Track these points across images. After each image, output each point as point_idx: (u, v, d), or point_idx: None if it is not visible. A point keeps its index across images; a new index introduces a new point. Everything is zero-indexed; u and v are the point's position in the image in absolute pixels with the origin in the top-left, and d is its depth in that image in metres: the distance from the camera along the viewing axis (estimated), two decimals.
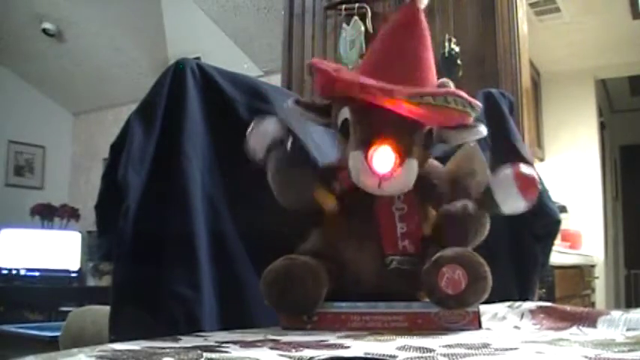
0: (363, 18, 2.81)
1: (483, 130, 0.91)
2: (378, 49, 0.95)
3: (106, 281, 4.55)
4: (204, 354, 0.58)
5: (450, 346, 0.65)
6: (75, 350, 0.57)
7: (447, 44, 2.49)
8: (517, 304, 1.01)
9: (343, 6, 2.89)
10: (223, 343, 0.68)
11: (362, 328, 0.82)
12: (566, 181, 4.08)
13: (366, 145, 0.84)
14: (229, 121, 1.13)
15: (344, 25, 2.84)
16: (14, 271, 4.67)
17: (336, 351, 0.63)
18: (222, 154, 1.10)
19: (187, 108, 1.07)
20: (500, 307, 0.99)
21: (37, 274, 4.73)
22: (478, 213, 0.87)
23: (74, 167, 5.77)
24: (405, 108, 0.82)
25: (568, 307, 0.96)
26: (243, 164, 0.96)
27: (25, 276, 4.69)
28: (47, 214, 5.05)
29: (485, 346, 0.65)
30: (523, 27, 2.59)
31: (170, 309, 0.95)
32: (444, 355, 0.58)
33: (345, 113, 0.90)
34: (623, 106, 5.59)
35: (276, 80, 3.12)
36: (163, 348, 0.62)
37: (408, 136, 0.86)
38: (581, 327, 0.85)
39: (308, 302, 0.83)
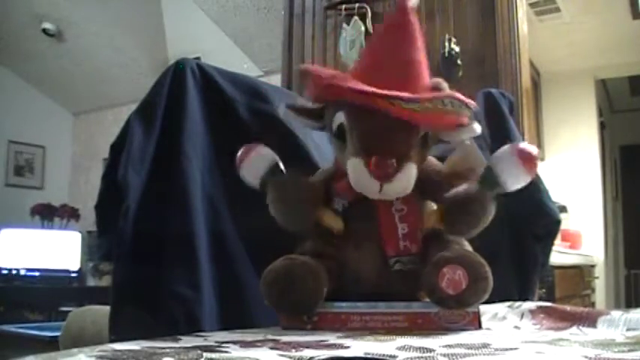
0: (363, 18, 2.81)
1: (478, 128, 0.90)
2: (371, 52, 0.95)
3: (106, 281, 4.55)
4: (204, 354, 0.58)
5: (450, 346, 0.65)
6: (75, 350, 0.57)
7: (447, 44, 2.49)
8: (517, 304, 1.01)
9: (343, 6, 2.89)
10: (223, 343, 0.68)
11: (362, 328, 0.82)
12: (566, 181, 4.08)
13: (364, 151, 0.84)
14: (229, 121, 1.13)
15: (344, 25, 2.84)
16: (14, 271, 4.67)
17: (336, 351, 0.63)
18: (222, 154, 1.10)
19: (187, 108, 1.07)
20: (500, 307, 0.99)
21: (37, 274, 4.73)
22: (481, 193, 0.85)
23: (74, 167, 5.77)
24: (404, 113, 0.82)
25: (568, 307, 0.96)
26: None
27: (25, 276, 4.70)
28: (47, 214, 5.05)
29: (485, 346, 0.65)
30: (523, 27, 2.59)
31: (170, 309, 0.95)
32: (444, 355, 0.58)
33: (340, 118, 0.89)
34: (623, 106, 5.59)
35: (276, 80, 3.12)
36: (163, 348, 0.62)
37: (406, 140, 0.86)
38: (581, 327, 0.85)
39: (308, 302, 0.83)
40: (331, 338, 0.72)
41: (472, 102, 0.86)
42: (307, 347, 0.64)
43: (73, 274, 4.92)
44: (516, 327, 0.90)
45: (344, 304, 0.84)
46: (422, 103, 0.81)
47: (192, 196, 1.02)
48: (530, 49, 2.74)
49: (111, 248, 0.99)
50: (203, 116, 1.09)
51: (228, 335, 0.77)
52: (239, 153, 0.92)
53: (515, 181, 0.84)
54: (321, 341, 0.70)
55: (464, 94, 0.86)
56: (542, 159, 4.27)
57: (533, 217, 1.36)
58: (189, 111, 1.07)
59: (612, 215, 5.06)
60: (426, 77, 0.91)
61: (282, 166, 0.92)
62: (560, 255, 2.98)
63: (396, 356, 0.58)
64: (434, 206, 0.92)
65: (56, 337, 1.98)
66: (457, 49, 2.49)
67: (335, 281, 0.87)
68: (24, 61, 5.17)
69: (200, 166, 1.05)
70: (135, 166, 0.99)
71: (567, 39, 3.96)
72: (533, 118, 3.84)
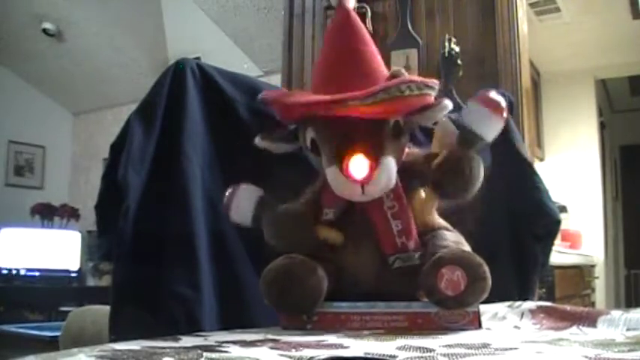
0: (363, 18, 2.81)
1: (448, 104, 0.89)
2: (323, 59, 0.95)
3: (106, 281, 4.55)
4: (205, 354, 0.58)
5: (450, 346, 0.65)
6: (75, 350, 0.57)
7: (447, 44, 2.49)
8: (517, 304, 1.01)
9: None
10: (223, 342, 0.68)
11: (362, 328, 0.82)
12: (566, 181, 4.08)
13: (337, 157, 0.84)
14: (229, 121, 1.13)
15: None
16: (14, 271, 4.67)
17: (336, 351, 0.63)
18: (222, 154, 1.10)
19: (187, 108, 1.07)
20: (500, 307, 0.99)
21: (37, 274, 4.73)
22: (463, 152, 0.86)
23: (74, 167, 5.77)
24: (363, 111, 0.82)
25: (568, 307, 0.96)
26: (243, 164, 0.96)
27: (25, 276, 4.69)
28: (47, 214, 5.05)
29: (485, 346, 0.65)
30: (523, 27, 2.59)
31: (170, 309, 0.95)
32: (444, 355, 0.58)
33: (310, 133, 0.90)
34: (623, 106, 5.59)
35: (276, 80, 3.12)
36: (163, 348, 0.62)
37: (376, 136, 0.86)
38: (581, 327, 0.85)
39: (308, 302, 0.83)
40: (331, 338, 0.72)
41: (433, 80, 0.86)
42: (307, 347, 0.64)
43: (73, 274, 4.92)
44: (516, 327, 0.90)
45: (344, 303, 0.84)
46: (376, 95, 0.81)
47: (192, 196, 1.02)
48: (530, 49, 2.74)
49: (111, 248, 0.99)
50: (203, 116, 1.09)
51: (228, 335, 0.77)
52: (224, 199, 0.93)
53: (488, 129, 0.86)
54: (321, 341, 0.70)
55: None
56: (542, 159, 4.27)
57: (533, 217, 1.36)
58: (189, 111, 1.07)
59: (612, 215, 5.06)
60: (381, 67, 0.92)
61: (266, 198, 0.92)
62: (560, 255, 2.98)
63: (396, 356, 0.58)
64: (423, 194, 0.92)
65: (56, 337, 1.98)
66: (457, 49, 2.48)
67: (333, 283, 0.87)
68: (24, 61, 5.17)
69: (200, 166, 1.06)
70: (135, 166, 0.99)
71: (567, 39, 3.96)
72: (533, 118, 3.84)
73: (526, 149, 1.53)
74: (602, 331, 0.83)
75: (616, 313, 0.88)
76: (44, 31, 4.68)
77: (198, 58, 3.00)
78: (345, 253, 0.90)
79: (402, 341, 0.68)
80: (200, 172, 1.05)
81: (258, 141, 0.96)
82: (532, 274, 1.41)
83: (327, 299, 0.84)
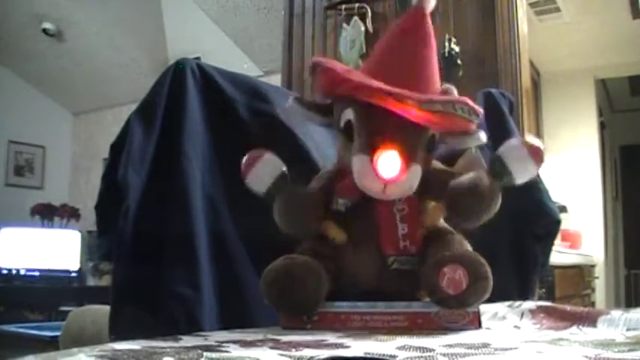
0: (363, 18, 2.81)
1: (483, 137, 0.91)
2: (384, 52, 0.94)
3: (106, 281, 4.55)
4: (205, 354, 0.58)
5: (450, 345, 0.65)
6: (75, 350, 0.57)
7: (447, 44, 2.49)
8: (517, 303, 1.01)
9: (343, 6, 2.89)
10: (223, 342, 0.68)
11: (362, 327, 0.82)
12: (566, 181, 4.08)
13: (371, 148, 0.84)
14: (229, 121, 1.13)
15: (344, 25, 2.84)
16: (14, 271, 4.67)
17: (336, 351, 0.63)
18: (223, 154, 1.10)
19: (187, 108, 1.07)
20: (500, 307, 0.99)
21: (37, 273, 4.73)
22: (491, 183, 0.84)
23: (74, 167, 5.77)
24: (414, 114, 0.82)
25: (568, 307, 0.96)
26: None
27: (25, 276, 4.70)
28: (47, 214, 5.06)
29: (485, 345, 0.65)
30: (523, 27, 2.59)
31: (170, 309, 0.95)
32: (444, 355, 0.58)
33: (349, 114, 0.89)
34: (623, 106, 5.59)
35: (276, 80, 3.12)
36: (163, 348, 0.62)
37: (413, 141, 0.86)
38: (581, 327, 0.85)
39: (308, 302, 0.83)
40: (331, 338, 0.72)
41: (480, 110, 0.86)
42: (307, 347, 0.64)
43: (73, 274, 4.92)
44: (516, 327, 0.90)
45: (344, 303, 0.84)
46: (434, 104, 0.81)
47: (192, 196, 1.02)
48: (530, 49, 2.74)
49: (111, 248, 0.99)
50: (203, 116, 1.09)
51: (228, 335, 0.77)
52: (244, 160, 0.90)
53: (523, 171, 0.84)
54: (321, 341, 0.70)
55: (464, 94, 0.87)
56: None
57: (533, 217, 1.36)
58: (189, 111, 1.07)
59: (612, 215, 5.06)
60: (437, 81, 0.91)
61: (287, 175, 0.90)
62: (560, 255, 2.98)
63: (396, 356, 0.58)
64: (432, 204, 0.92)
65: (56, 337, 1.98)
66: (457, 49, 2.48)
67: (334, 282, 0.87)
68: (24, 61, 5.17)
69: (200, 166, 1.05)
70: (135, 166, 0.99)
71: (567, 39, 3.96)
72: (533, 118, 3.84)
73: None
74: (602, 331, 0.83)
75: (616, 313, 0.88)
76: (44, 31, 4.68)
77: (198, 58, 3.00)
78: (345, 251, 0.90)
79: (402, 341, 0.68)
80: (200, 172, 1.05)
81: (291, 101, 0.96)
82: (532, 273, 1.41)
83: (328, 299, 0.84)
